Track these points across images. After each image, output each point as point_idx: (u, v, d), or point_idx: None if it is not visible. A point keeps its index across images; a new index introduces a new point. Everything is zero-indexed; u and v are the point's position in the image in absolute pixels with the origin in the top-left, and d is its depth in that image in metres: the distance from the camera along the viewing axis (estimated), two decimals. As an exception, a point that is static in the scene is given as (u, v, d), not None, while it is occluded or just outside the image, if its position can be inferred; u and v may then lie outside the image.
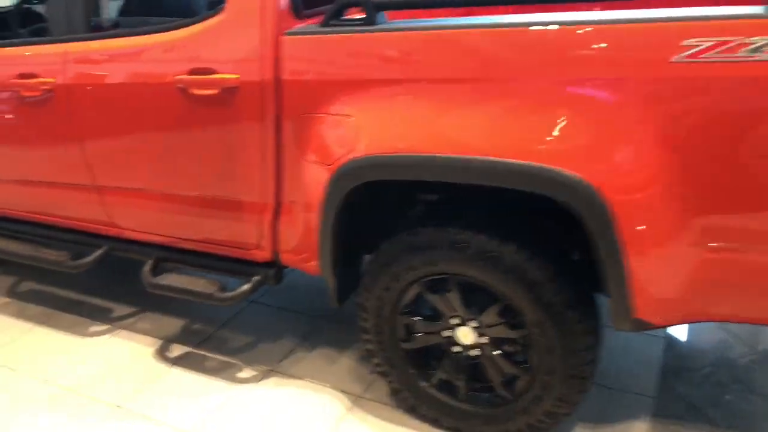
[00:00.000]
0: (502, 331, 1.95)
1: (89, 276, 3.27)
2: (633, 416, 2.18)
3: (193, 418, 2.28)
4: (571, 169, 1.60)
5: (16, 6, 2.91)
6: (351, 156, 1.88)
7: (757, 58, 1.43)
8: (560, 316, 1.80)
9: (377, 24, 1.85)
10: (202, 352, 2.67)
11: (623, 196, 1.59)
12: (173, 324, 2.88)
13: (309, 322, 2.86)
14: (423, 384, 2.14)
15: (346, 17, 1.92)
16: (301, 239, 2.19)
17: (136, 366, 2.60)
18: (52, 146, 2.56)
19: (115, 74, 2.30)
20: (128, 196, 2.50)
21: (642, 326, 1.73)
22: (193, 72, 2.11)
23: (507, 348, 1.98)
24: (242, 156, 2.16)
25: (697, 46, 1.47)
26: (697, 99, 1.51)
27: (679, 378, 2.35)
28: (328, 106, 1.93)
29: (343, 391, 2.39)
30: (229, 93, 2.07)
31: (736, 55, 1.44)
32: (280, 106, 2.02)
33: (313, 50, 1.93)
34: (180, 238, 2.48)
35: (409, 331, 2.11)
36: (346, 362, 2.56)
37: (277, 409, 2.31)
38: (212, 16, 2.08)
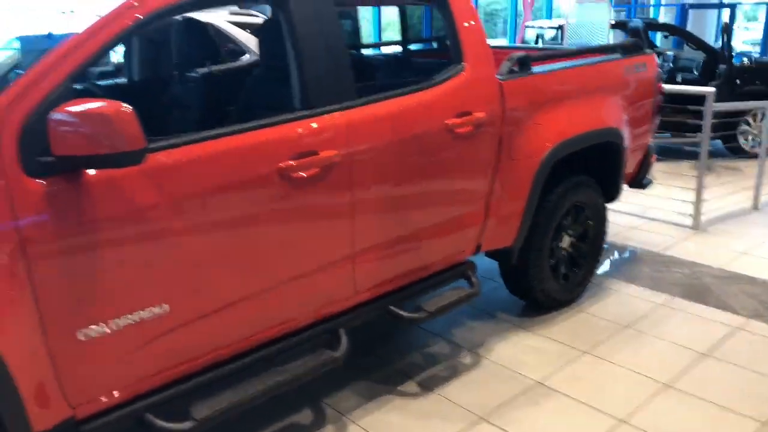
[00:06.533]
0: (581, 227, 3.60)
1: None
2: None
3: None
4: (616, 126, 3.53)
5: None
6: (549, 147, 3.14)
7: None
8: (604, 211, 3.68)
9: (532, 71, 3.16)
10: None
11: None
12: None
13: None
14: (554, 280, 3.51)
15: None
16: (500, 225, 3.12)
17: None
18: (319, 226, 2.34)
19: (397, 132, 2.52)
20: (381, 250, 2.61)
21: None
22: (458, 116, 2.73)
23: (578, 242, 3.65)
24: (478, 175, 2.92)
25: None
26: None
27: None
28: (527, 121, 3.07)
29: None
30: (478, 127, 2.84)
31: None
32: (501, 129, 2.97)
33: (517, 89, 3.02)
34: (405, 274, 2.79)
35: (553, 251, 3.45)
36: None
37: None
38: (458, 73, 2.76)
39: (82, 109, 1.65)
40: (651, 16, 14.33)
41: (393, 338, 3.34)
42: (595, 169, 3.68)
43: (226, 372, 2.24)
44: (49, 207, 1.72)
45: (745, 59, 7.55)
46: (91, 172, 1.77)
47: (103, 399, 1.95)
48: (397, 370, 3.01)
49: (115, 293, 1.87)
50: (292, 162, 2.19)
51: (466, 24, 2.84)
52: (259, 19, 5.99)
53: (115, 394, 1.98)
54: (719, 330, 3.35)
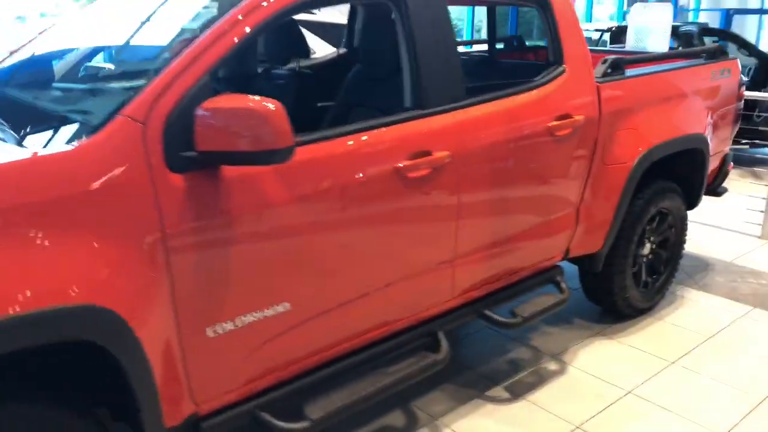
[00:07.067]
0: (663, 234, 3.53)
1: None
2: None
3: (607, 391, 2.83)
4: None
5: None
6: (641, 152, 3.07)
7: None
8: (686, 218, 3.60)
9: (626, 74, 3.10)
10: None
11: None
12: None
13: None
14: (635, 288, 3.44)
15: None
16: (590, 230, 3.06)
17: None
18: (426, 227, 2.31)
19: (502, 134, 2.48)
20: (480, 253, 2.57)
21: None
22: (558, 118, 2.69)
23: (659, 249, 3.58)
24: (573, 179, 2.87)
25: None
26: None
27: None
28: (620, 125, 3.01)
29: None
30: (576, 130, 2.78)
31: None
32: (597, 133, 2.91)
33: (612, 92, 2.96)
34: (499, 278, 2.75)
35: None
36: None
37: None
38: (559, 75, 2.72)
39: (232, 105, 1.63)
40: (690, 20, 14.13)
41: (470, 342, 3.30)
42: (678, 175, 3.62)
43: (333, 372, 2.22)
44: (189, 202, 1.70)
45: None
46: (229, 168, 1.76)
47: (224, 396, 1.94)
48: (481, 375, 2.97)
49: (244, 290, 1.86)
50: (408, 162, 2.17)
51: (567, 26, 2.80)
52: (315, 18, 5.97)
53: (235, 391, 1.96)
54: (807, 344, 3.27)
